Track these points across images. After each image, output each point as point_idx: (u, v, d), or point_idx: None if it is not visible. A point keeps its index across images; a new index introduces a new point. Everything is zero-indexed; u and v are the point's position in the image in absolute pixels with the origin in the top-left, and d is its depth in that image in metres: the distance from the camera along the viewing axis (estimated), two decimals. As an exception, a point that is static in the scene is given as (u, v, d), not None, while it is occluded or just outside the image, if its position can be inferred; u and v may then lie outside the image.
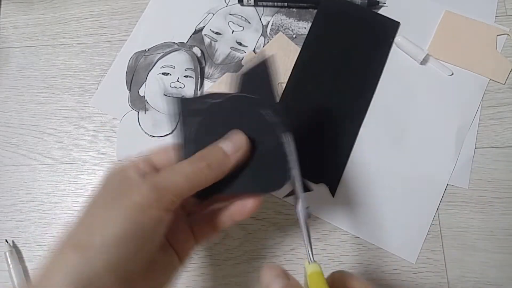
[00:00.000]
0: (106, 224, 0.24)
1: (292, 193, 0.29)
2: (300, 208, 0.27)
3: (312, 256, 0.26)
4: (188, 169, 0.27)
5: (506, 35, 0.44)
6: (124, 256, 0.24)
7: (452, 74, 0.43)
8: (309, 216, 0.27)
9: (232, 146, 0.28)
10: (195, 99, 0.31)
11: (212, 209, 0.31)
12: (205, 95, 0.31)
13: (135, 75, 0.47)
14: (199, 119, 0.29)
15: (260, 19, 0.48)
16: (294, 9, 0.48)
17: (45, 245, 0.42)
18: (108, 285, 0.23)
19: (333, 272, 0.26)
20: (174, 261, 0.29)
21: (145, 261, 0.25)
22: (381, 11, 0.46)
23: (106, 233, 0.24)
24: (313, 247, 0.26)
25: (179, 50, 0.47)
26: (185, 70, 0.46)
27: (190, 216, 0.31)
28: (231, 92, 0.30)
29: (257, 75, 0.30)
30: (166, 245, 0.29)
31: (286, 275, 0.24)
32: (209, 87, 0.45)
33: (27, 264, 0.42)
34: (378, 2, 0.46)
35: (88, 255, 0.23)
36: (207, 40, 0.47)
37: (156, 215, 0.25)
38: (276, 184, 0.29)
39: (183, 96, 0.31)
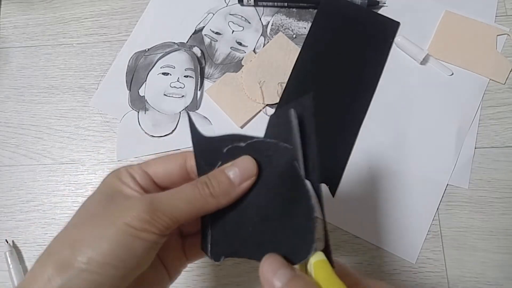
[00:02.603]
0: (93, 244, 0.22)
1: None
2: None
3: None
4: (190, 194, 0.25)
5: (506, 35, 0.44)
6: (110, 279, 0.22)
7: (452, 74, 0.43)
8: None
9: (240, 175, 0.25)
10: (212, 139, 0.27)
11: None
12: (225, 136, 0.26)
13: (135, 75, 0.47)
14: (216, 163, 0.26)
15: (260, 19, 0.48)
16: (294, 9, 0.48)
17: (45, 245, 0.42)
18: None
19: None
20: (164, 278, 0.28)
21: (132, 281, 0.24)
22: (381, 11, 0.46)
23: (93, 253, 0.22)
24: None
25: (179, 50, 0.47)
26: (185, 70, 0.46)
27: (183, 234, 0.30)
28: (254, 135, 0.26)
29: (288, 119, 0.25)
30: (156, 261, 0.27)
31: (288, 266, 0.22)
32: (209, 87, 0.45)
33: (27, 264, 0.42)
34: (378, 2, 0.46)
35: (71, 276, 0.22)
36: (207, 40, 0.47)
37: (149, 239, 0.23)
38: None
39: (197, 132, 0.27)
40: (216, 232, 0.27)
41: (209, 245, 0.27)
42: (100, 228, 0.23)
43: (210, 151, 0.27)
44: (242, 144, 0.26)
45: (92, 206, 0.25)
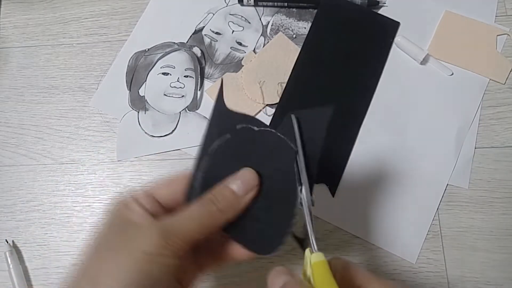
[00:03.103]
0: (112, 274, 0.23)
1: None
2: (304, 195, 0.26)
3: (315, 245, 0.25)
4: (199, 213, 0.26)
5: (506, 35, 0.44)
6: None
7: (452, 74, 0.43)
8: (313, 204, 0.26)
9: (244, 187, 0.26)
10: (231, 113, 0.28)
11: (217, 242, 0.29)
12: (242, 115, 0.28)
13: (135, 75, 0.47)
14: (223, 140, 0.28)
15: (260, 19, 0.48)
16: (294, 9, 0.48)
17: (45, 245, 0.42)
18: None
19: (332, 259, 0.25)
20: None
21: None
22: (381, 11, 0.46)
23: (115, 284, 0.23)
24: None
25: (179, 50, 0.47)
26: (185, 70, 0.46)
27: (195, 247, 0.30)
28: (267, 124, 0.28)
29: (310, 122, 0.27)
30: (171, 279, 0.28)
31: (289, 272, 0.24)
32: (209, 87, 0.45)
33: (27, 264, 0.42)
34: (378, 2, 0.46)
35: None
36: (207, 40, 0.47)
37: (165, 263, 0.24)
38: (270, 248, 0.27)
39: (222, 100, 0.28)
40: (240, 232, 0.28)
41: (248, 244, 0.28)
42: (117, 258, 0.24)
43: (226, 122, 0.28)
44: (256, 128, 0.27)
45: (106, 238, 0.26)
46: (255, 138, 0.27)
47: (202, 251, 0.30)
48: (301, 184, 0.26)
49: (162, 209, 0.28)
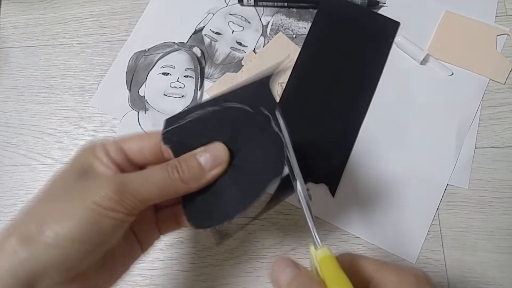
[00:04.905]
0: (61, 220, 0.23)
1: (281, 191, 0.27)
2: (299, 189, 0.25)
3: (319, 240, 0.24)
4: (160, 177, 0.25)
5: (506, 35, 0.44)
6: (76, 256, 0.23)
7: (452, 74, 0.43)
8: (310, 198, 0.25)
9: (211, 161, 0.26)
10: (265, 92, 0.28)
11: (178, 206, 0.29)
12: (204, 102, 0.29)
13: (135, 75, 0.47)
14: (196, 115, 0.28)
15: (260, 19, 0.48)
16: (294, 9, 0.48)
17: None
18: (56, 282, 0.22)
19: (339, 256, 0.24)
20: (136, 250, 0.28)
21: (100, 258, 0.24)
22: (381, 11, 0.46)
23: (60, 230, 0.22)
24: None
25: (179, 50, 0.47)
26: (185, 70, 0.46)
27: (157, 207, 0.30)
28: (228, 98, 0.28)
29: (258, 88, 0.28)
30: (129, 234, 0.28)
31: (295, 265, 0.23)
32: (209, 87, 0.45)
33: (27, 264, 0.42)
34: (378, 2, 0.46)
35: (37, 251, 0.22)
36: (207, 40, 0.47)
37: (117, 218, 0.23)
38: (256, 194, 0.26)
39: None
40: (194, 203, 0.27)
41: (190, 216, 0.27)
42: (69, 205, 0.23)
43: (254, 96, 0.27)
44: (250, 110, 0.27)
45: (63, 181, 0.25)
46: (246, 118, 0.27)
47: (163, 213, 0.30)
48: (295, 179, 0.25)
49: (128, 163, 0.28)
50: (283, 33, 0.47)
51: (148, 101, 0.46)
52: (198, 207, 0.27)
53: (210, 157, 0.26)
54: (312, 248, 0.24)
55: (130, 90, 0.46)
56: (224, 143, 0.27)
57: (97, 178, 0.25)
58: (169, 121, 0.29)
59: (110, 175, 0.26)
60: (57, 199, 0.24)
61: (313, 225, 0.24)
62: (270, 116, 0.26)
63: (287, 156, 0.26)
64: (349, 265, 0.23)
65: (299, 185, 0.25)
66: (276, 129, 0.26)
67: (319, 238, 0.24)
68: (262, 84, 0.27)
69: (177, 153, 0.27)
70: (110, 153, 0.27)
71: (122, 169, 0.27)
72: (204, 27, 0.48)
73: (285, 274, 0.22)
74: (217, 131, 0.27)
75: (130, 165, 0.28)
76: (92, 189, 0.24)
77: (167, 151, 0.28)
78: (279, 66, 0.28)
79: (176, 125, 0.28)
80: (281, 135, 0.26)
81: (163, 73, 0.46)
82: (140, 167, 0.29)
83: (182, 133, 0.28)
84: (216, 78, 0.46)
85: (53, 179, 0.26)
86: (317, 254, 0.23)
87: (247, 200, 0.26)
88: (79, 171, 0.26)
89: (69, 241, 0.22)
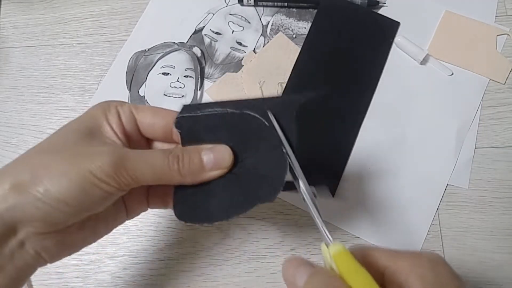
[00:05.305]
0: (54, 178, 0.23)
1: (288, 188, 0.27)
2: (303, 188, 0.25)
3: (330, 237, 0.23)
4: (159, 163, 0.25)
5: (506, 35, 0.44)
6: (61, 214, 0.23)
7: (452, 74, 0.43)
8: (315, 196, 0.25)
9: (214, 162, 0.26)
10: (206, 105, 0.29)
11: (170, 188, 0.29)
12: (216, 103, 0.28)
13: (135, 75, 0.47)
14: (214, 111, 0.28)
15: (260, 19, 0.48)
16: (294, 9, 0.48)
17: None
18: (38, 232, 0.23)
19: (349, 250, 0.23)
20: (121, 215, 0.28)
21: (85, 218, 0.25)
22: (381, 11, 0.46)
23: (51, 187, 0.23)
24: (313, 247, 0.25)
25: (179, 50, 0.47)
26: (185, 70, 0.46)
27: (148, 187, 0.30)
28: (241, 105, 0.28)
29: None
30: (117, 200, 0.27)
31: (309, 263, 0.22)
32: (209, 87, 0.45)
33: (27, 264, 0.42)
34: (378, 2, 0.46)
35: (25, 201, 0.22)
36: (207, 40, 0.47)
37: (107, 190, 0.24)
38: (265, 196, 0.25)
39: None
40: (184, 194, 0.27)
41: (177, 205, 0.27)
42: (65, 165, 0.23)
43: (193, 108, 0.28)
44: (258, 116, 0.27)
45: (69, 134, 0.26)
46: (260, 131, 0.27)
47: (155, 189, 0.30)
48: (297, 179, 0.25)
49: (137, 132, 0.28)
50: (283, 33, 0.47)
51: (148, 101, 0.46)
52: (186, 199, 0.27)
53: (214, 158, 0.26)
54: (323, 246, 0.23)
55: (130, 90, 0.46)
56: (231, 148, 0.27)
57: (99, 145, 0.25)
58: (186, 107, 0.29)
59: (112, 146, 0.26)
60: (55, 154, 0.24)
61: (322, 222, 0.24)
62: (280, 137, 0.26)
63: (289, 156, 0.26)
64: (361, 257, 0.22)
65: (301, 184, 0.25)
66: (284, 150, 0.26)
67: (329, 234, 0.23)
68: (290, 105, 0.27)
69: (185, 140, 0.27)
70: (122, 118, 0.27)
71: (129, 138, 0.28)
72: (204, 27, 0.48)
73: (300, 273, 0.22)
74: (229, 134, 0.27)
75: (138, 135, 0.28)
76: (90, 156, 0.24)
77: (176, 134, 0.28)
78: (313, 96, 0.28)
79: (193, 114, 0.28)
80: (287, 157, 0.26)
81: (163, 73, 0.46)
82: (147, 139, 0.29)
83: (195, 123, 0.28)
84: (216, 78, 0.46)
85: (60, 129, 0.26)
86: (330, 251, 0.22)
87: (231, 211, 0.26)
88: (87, 129, 0.26)
89: (56, 201, 0.23)
